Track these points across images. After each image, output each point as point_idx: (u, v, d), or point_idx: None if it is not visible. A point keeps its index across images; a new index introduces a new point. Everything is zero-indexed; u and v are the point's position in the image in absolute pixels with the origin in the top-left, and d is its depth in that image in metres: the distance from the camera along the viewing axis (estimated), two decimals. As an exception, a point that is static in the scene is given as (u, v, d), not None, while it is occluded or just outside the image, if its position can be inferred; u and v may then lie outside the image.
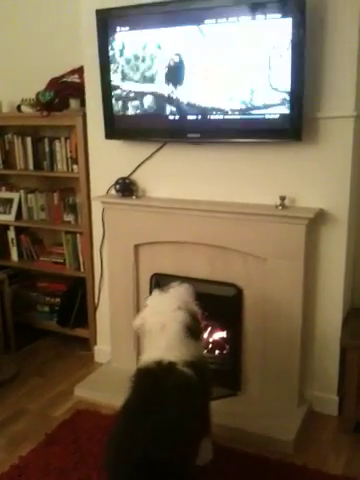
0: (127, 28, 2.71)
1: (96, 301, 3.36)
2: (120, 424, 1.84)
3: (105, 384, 2.99)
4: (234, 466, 2.37)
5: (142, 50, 2.70)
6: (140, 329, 2.16)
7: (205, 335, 3.02)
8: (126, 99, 2.82)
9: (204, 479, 2.01)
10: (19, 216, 3.65)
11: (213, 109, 2.62)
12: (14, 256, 3.75)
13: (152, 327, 2.09)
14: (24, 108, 3.37)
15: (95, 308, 3.38)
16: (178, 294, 2.16)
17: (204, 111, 2.64)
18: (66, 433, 2.64)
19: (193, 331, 2.07)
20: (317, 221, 2.59)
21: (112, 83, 2.83)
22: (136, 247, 3.03)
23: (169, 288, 2.24)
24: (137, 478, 1.66)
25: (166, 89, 2.70)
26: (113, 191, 3.07)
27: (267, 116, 2.51)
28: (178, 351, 2.00)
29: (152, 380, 1.93)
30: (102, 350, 3.35)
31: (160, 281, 2.90)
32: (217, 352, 3.01)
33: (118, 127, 2.90)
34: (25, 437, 2.64)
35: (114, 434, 1.82)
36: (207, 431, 2.20)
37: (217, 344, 3.01)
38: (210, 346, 3.03)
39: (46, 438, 2.61)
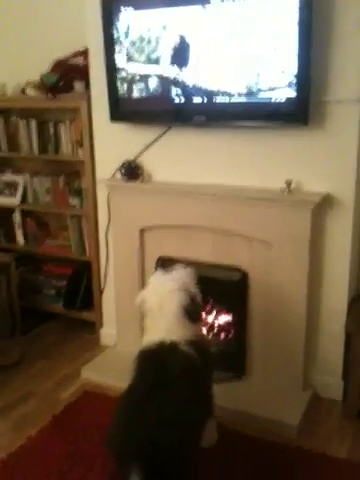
0: (131, 8, 2.67)
1: (102, 285, 3.37)
2: (125, 405, 1.86)
3: (111, 366, 3.01)
4: (238, 449, 2.39)
5: (147, 31, 2.66)
6: (141, 307, 2.18)
7: (210, 319, 3.04)
8: (131, 81, 2.79)
9: (208, 461, 2.03)
10: (24, 199, 3.65)
11: (219, 92, 2.58)
12: (20, 239, 3.76)
13: (151, 306, 2.12)
14: (29, 91, 3.34)
15: (101, 291, 3.40)
16: (179, 276, 2.18)
17: (210, 94, 2.61)
18: (73, 414, 2.68)
19: (191, 313, 2.10)
20: (323, 206, 2.57)
21: (117, 65, 2.79)
22: (141, 231, 3.02)
23: (172, 270, 2.25)
24: (142, 458, 1.67)
25: (171, 71, 2.67)
26: (118, 175, 3.05)
27: (273, 99, 2.47)
28: (178, 332, 2.02)
29: (155, 361, 1.95)
30: (108, 333, 3.38)
31: (165, 265, 2.89)
32: (222, 336, 3.02)
33: (123, 110, 2.87)
34: (32, 418, 2.68)
35: (119, 415, 1.84)
36: (211, 412, 2.23)
37: (222, 328, 3.02)
38: (215, 330, 3.04)
39: (53, 419, 2.65)
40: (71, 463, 2.33)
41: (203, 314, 2.19)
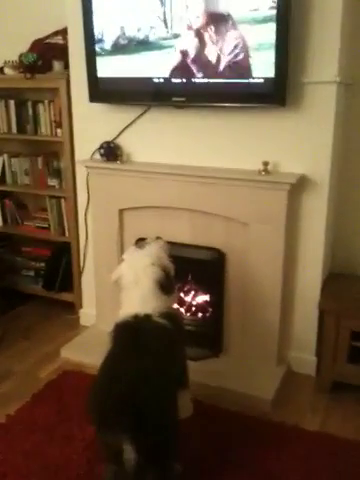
0: (111, -12, 2.66)
1: (81, 265, 3.39)
2: (103, 369, 1.91)
3: (91, 346, 3.04)
4: (214, 422, 2.46)
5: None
6: (117, 282, 2.24)
7: (188, 298, 3.09)
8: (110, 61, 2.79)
9: (184, 434, 2.08)
10: (3, 180, 3.63)
11: (198, 72, 2.60)
12: (-2, 221, 3.76)
13: (127, 281, 2.18)
14: (7, 70, 3.32)
15: (80, 272, 3.42)
16: (153, 250, 2.25)
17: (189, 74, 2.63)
18: (52, 393, 2.71)
19: (165, 286, 2.16)
20: (299, 187, 2.62)
21: (96, 44, 2.78)
22: (121, 212, 3.04)
23: (145, 244, 2.32)
24: (121, 416, 1.72)
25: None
26: (97, 155, 3.06)
27: (252, 80, 2.50)
28: (152, 305, 2.09)
29: (130, 330, 2.01)
30: (87, 314, 3.40)
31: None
32: (200, 315, 3.08)
33: (102, 90, 2.87)
34: (12, 397, 2.70)
35: (97, 379, 1.89)
36: (185, 383, 2.29)
37: (200, 307, 3.08)
38: (193, 309, 3.09)
39: (32, 398, 2.67)
40: (50, 438, 2.37)
41: (177, 288, 2.26)
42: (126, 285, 2.19)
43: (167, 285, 2.17)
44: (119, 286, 2.23)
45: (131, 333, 2.00)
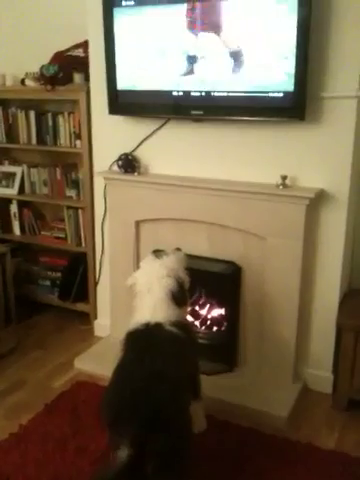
0: (132, 3, 2.69)
1: (97, 276, 3.40)
2: (116, 375, 1.92)
3: (104, 357, 3.02)
4: (228, 439, 2.42)
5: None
6: (132, 288, 2.26)
7: (204, 311, 3.07)
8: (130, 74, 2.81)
9: (197, 450, 2.06)
10: (22, 190, 3.67)
11: (217, 85, 2.61)
12: (16, 230, 3.78)
13: (141, 288, 2.21)
14: (28, 82, 3.36)
15: (96, 283, 3.42)
16: (169, 262, 2.26)
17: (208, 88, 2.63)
18: (65, 403, 2.70)
19: (178, 298, 2.18)
20: (318, 201, 2.60)
21: (116, 58, 2.81)
22: (137, 223, 3.05)
23: (163, 254, 2.33)
24: (134, 416, 1.72)
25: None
26: (115, 167, 3.08)
27: (271, 94, 2.50)
28: (163, 314, 2.10)
29: (142, 337, 2.03)
30: (102, 325, 3.40)
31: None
32: (215, 329, 3.05)
33: (122, 102, 2.89)
34: (25, 407, 2.70)
35: (110, 382, 1.90)
36: (198, 394, 2.28)
37: (215, 320, 3.05)
38: (208, 322, 3.07)
39: (45, 408, 2.67)
40: (63, 448, 2.35)
41: (190, 301, 2.28)
42: (139, 292, 2.21)
43: (180, 297, 2.18)
44: (133, 292, 2.25)
45: (143, 340, 2.02)
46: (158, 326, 2.05)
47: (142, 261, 2.35)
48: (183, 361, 2.03)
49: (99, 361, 3.02)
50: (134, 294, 2.24)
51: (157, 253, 2.39)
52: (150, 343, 1.99)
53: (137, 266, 3.05)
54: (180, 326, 2.10)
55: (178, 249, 2.43)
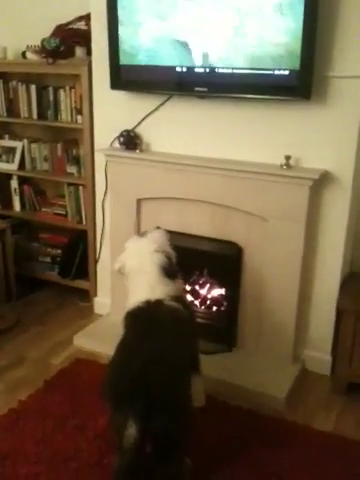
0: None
1: (97, 254, 3.38)
2: (118, 351, 1.92)
3: (104, 335, 3.03)
4: (226, 419, 2.43)
5: None
6: (120, 271, 2.27)
7: (204, 291, 3.06)
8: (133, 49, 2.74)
9: (195, 430, 2.07)
10: (22, 166, 3.63)
11: (221, 62, 2.55)
12: (16, 206, 3.75)
13: (131, 269, 2.21)
14: (29, 55, 3.30)
15: (96, 261, 3.41)
16: (154, 238, 2.28)
17: (212, 64, 2.58)
18: (64, 381, 2.71)
19: (169, 272, 2.19)
20: (321, 183, 2.56)
21: (119, 31, 2.74)
22: (138, 201, 3.02)
23: (146, 233, 2.34)
24: (136, 393, 1.72)
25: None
26: (117, 144, 3.03)
27: (276, 72, 2.44)
28: (160, 290, 2.11)
29: (144, 315, 2.03)
30: (102, 302, 3.40)
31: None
32: (214, 308, 3.05)
33: (124, 78, 2.83)
34: (24, 383, 2.71)
35: (112, 359, 1.90)
36: (197, 367, 2.28)
37: (215, 301, 3.05)
38: (208, 302, 3.06)
39: (45, 384, 2.68)
40: (61, 426, 2.37)
41: (181, 275, 2.30)
42: (131, 273, 2.21)
43: (171, 270, 2.20)
44: (122, 275, 2.25)
45: (145, 318, 2.01)
46: (159, 302, 2.06)
47: (127, 242, 2.34)
48: (186, 338, 2.04)
49: (98, 339, 3.02)
50: (124, 276, 2.25)
51: (140, 233, 2.42)
52: (153, 320, 1.99)
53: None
54: (179, 300, 2.12)
55: (158, 227, 2.44)
